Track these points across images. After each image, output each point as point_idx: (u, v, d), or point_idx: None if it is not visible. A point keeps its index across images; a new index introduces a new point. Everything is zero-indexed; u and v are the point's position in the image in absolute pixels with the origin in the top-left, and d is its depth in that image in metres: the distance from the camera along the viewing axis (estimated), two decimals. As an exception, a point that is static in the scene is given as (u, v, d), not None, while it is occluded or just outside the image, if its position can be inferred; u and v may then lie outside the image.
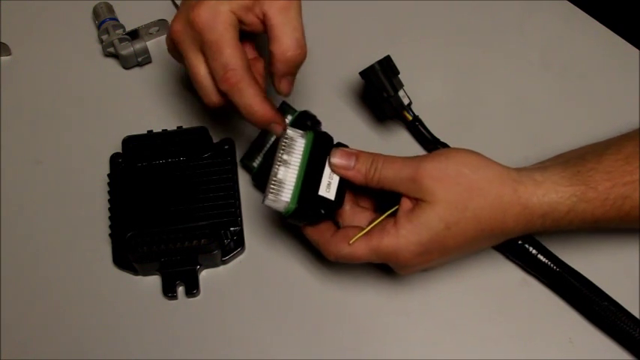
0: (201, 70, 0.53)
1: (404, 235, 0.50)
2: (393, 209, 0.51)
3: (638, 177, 0.50)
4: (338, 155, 0.52)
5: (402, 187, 0.51)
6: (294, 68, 0.54)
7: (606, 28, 0.69)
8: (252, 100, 0.52)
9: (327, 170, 0.52)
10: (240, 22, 0.53)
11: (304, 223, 0.53)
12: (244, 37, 0.54)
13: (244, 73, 0.51)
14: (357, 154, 0.52)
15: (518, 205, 0.50)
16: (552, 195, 0.50)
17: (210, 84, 0.53)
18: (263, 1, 0.52)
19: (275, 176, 0.51)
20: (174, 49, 0.55)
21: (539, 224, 0.51)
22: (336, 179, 0.52)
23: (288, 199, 0.51)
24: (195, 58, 0.53)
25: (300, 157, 0.52)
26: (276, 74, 0.53)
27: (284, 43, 0.52)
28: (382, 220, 0.51)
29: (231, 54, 0.51)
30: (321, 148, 0.52)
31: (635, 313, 0.55)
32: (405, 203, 0.51)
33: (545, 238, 0.57)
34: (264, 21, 0.53)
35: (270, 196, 0.50)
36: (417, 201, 0.50)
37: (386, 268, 0.55)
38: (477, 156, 0.51)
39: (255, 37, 0.57)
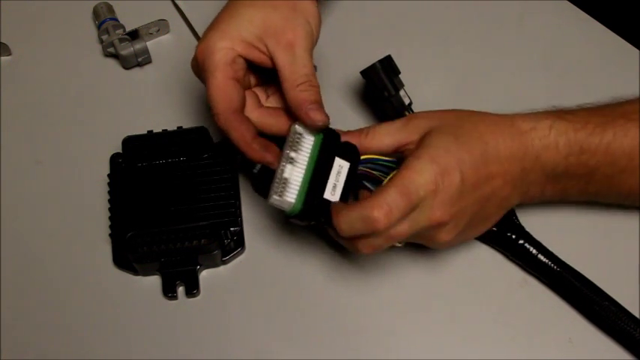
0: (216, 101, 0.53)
1: (415, 163, 0.49)
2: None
3: (615, 118, 0.53)
4: (349, 134, 0.53)
5: (398, 135, 0.52)
6: (311, 104, 0.51)
7: (606, 28, 0.69)
8: (238, 142, 0.51)
9: (334, 171, 0.51)
10: (247, 58, 0.52)
11: (306, 223, 0.52)
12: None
13: (228, 115, 0.51)
14: (367, 131, 0.53)
15: (509, 120, 0.53)
16: (532, 117, 0.54)
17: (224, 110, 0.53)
18: (267, 38, 0.52)
19: (281, 174, 0.49)
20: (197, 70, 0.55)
21: (529, 142, 0.52)
22: (341, 181, 0.51)
23: (294, 200, 0.50)
24: (210, 89, 0.52)
25: (308, 155, 0.51)
26: (298, 114, 0.51)
27: (294, 84, 0.51)
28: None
29: (215, 98, 0.51)
30: (330, 147, 0.51)
31: (636, 313, 0.55)
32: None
33: (545, 237, 0.57)
34: (272, 60, 0.52)
35: (275, 196, 0.49)
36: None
37: (386, 268, 0.55)
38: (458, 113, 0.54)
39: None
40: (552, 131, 0.52)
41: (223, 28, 0.52)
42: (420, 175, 0.48)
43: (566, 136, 0.52)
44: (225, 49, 0.51)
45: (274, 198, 0.49)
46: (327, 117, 0.51)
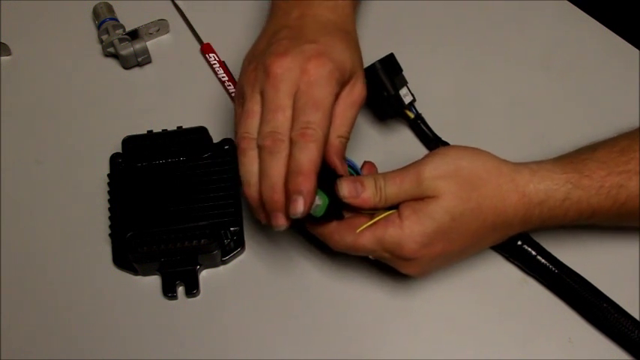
0: (287, 112, 0.49)
1: (408, 226, 0.50)
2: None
3: (633, 167, 0.51)
4: (345, 185, 0.51)
5: (408, 197, 0.51)
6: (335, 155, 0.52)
7: (606, 28, 0.69)
8: (310, 162, 0.48)
9: None
10: None
11: (335, 218, 0.52)
12: None
13: (323, 137, 0.49)
14: (361, 180, 0.51)
15: (516, 193, 0.50)
16: (547, 182, 0.51)
17: (287, 129, 0.49)
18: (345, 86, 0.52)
19: None
20: (251, 81, 0.51)
21: (536, 214, 0.51)
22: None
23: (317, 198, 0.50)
24: (286, 98, 0.50)
25: None
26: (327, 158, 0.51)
27: (337, 134, 0.52)
28: (388, 212, 0.51)
29: (324, 117, 0.49)
30: None
31: (635, 314, 0.55)
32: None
33: (544, 237, 0.57)
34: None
35: None
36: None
37: (387, 268, 0.55)
38: (473, 149, 0.52)
39: None
40: (566, 202, 0.51)
41: (335, 57, 0.51)
42: (404, 243, 0.50)
43: (578, 205, 0.51)
44: (336, 86, 0.51)
45: None
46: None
